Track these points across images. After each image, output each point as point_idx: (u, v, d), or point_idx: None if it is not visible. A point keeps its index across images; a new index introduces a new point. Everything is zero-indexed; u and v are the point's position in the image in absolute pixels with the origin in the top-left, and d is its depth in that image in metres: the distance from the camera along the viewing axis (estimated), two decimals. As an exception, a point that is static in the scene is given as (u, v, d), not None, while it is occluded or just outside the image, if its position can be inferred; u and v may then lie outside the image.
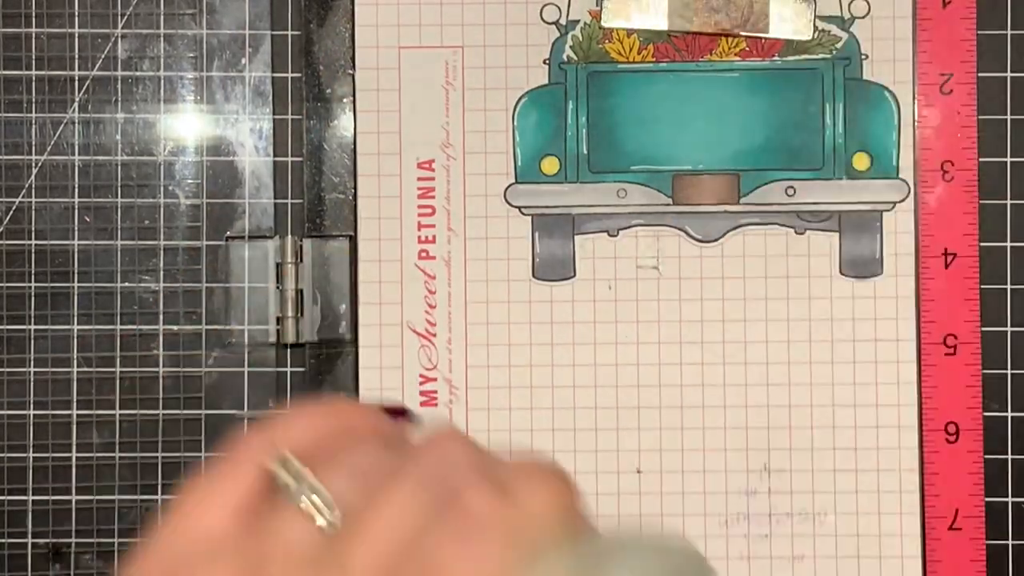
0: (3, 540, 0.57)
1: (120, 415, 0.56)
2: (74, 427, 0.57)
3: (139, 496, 0.57)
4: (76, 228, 0.57)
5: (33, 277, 0.57)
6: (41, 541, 0.57)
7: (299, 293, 0.56)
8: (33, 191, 0.57)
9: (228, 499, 0.36)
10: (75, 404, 0.57)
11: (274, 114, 0.57)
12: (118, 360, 0.57)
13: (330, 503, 0.34)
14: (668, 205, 0.56)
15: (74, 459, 0.57)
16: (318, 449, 0.35)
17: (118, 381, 0.57)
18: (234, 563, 0.34)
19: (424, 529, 0.32)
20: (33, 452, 0.57)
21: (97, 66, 0.56)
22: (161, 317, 0.57)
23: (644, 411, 0.56)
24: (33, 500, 0.57)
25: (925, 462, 0.56)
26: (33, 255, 0.57)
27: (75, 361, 0.57)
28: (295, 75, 0.57)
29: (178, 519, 0.36)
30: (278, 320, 0.56)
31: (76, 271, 0.56)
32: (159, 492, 0.57)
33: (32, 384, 0.57)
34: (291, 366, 0.56)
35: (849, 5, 0.56)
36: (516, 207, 0.56)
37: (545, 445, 0.56)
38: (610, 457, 0.56)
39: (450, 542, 0.31)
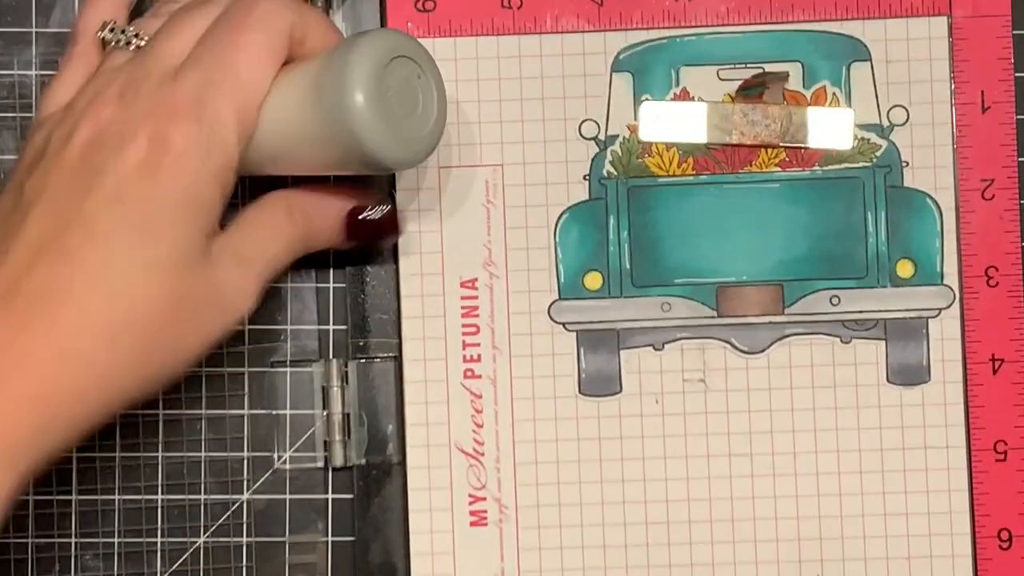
0: (5, 540, 0.56)
1: (120, 416, 0.56)
2: None
3: (143, 496, 0.56)
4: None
5: None
6: (42, 542, 0.56)
7: (345, 416, 0.56)
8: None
9: (76, 76, 0.51)
10: None
11: (316, 238, 0.57)
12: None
13: (140, 36, 0.50)
14: (712, 317, 0.56)
15: (74, 459, 0.56)
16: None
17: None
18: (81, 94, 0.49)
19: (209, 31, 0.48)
20: None
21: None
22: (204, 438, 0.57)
23: (695, 525, 0.56)
24: (34, 500, 0.56)
25: (979, 570, 0.55)
26: None
27: None
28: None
29: (44, 97, 0.51)
30: (325, 444, 0.56)
31: None
32: (159, 492, 0.56)
33: None
34: (337, 492, 0.56)
35: (888, 113, 0.56)
36: (560, 323, 0.56)
37: (597, 562, 0.56)
38: (662, 572, 0.56)
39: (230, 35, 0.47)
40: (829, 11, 0.56)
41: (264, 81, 0.47)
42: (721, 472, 0.56)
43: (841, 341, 0.56)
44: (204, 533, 0.57)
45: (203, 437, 0.57)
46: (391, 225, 0.53)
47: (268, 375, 0.57)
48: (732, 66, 0.56)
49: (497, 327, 0.56)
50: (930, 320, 0.56)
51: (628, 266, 0.56)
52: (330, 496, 0.56)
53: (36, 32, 0.57)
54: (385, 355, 0.56)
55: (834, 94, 0.56)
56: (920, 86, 0.56)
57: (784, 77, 0.56)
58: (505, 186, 0.56)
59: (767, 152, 0.56)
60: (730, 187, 0.56)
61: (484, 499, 0.56)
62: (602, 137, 0.56)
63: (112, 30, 0.50)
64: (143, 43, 0.50)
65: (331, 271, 0.57)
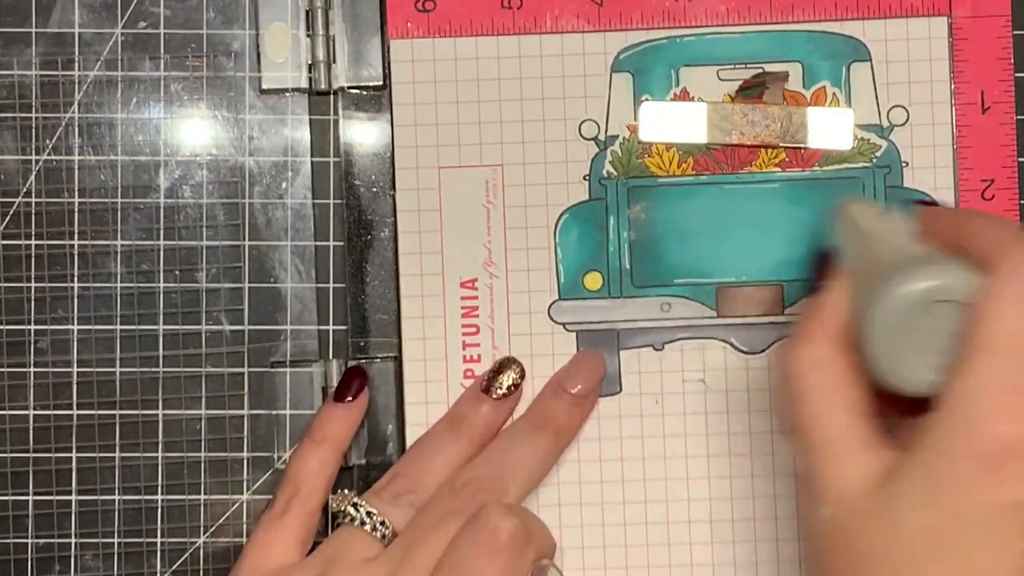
0: (5, 540, 0.56)
1: (120, 415, 0.56)
2: (74, 428, 0.56)
3: (142, 496, 0.56)
4: (84, 230, 0.57)
5: (46, 278, 0.56)
6: (42, 542, 0.56)
7: (345, 417, 0.56)
8: (74, 193, 0.57)
9: (292, 534, 0.51)
10: (75, 405, 0.56)
11: (316, 238, 0.57)
12: (118, 361, 0.56)
13: (385, 523, 0.51)
14: (712, 317, 0.56)
15: (74, 459, 0.56)
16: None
17: (118, 382, 0.56)
18: (307, 570, 0.50)
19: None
20: (34, 453, 0.56)
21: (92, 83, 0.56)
22: (204, 441, 0.57)
23: (695, 525, 0.56)
24: (34, 500, 0.56)
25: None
26: (33, 258, 0.56)
27: (75, 362, 0.56)
28: (336, 201, 0.57)
29: (253, 554, 0.51)
30: (325, 444, 0.56)
31: (77, 273, 0.56)
32: (159, 492, 0.56)
33: (32, 385, 0.56)
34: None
35: (888, 113, 0.56)
36: (560, 323, 0.56)
37: (597, 562, 0.56)
38: (662, 572, 0.56)
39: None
40: (829, 11, 0.56)
41: None
42: (721, 472, 0.56)
43: (841, 341, 0.56)
44: (204, 533, 0.57)
45: (203, 437, 0.57)
46: None
47: (268, 375, 0.57)
48: (732, 66, 0.56)
49: (497, 327, 0.56)
50: (930, 320, 0.56)
51: (628, 266, 0.56)
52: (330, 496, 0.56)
53: (36, 32, 0.57)
54: (385, 355, 0.56)
55: (834, 94, 0.56)
56: (920, 86, 0.56)
57: (784, 77, 0.56)
58: (505, 186, 0.56)
59: (767, 152, 0.56)
60: (730, 187, 0.56)
61: (484, 499, 0.56)
62: (602, 137, 0.56)
63: (354, 505, 0.51)
64: (387, 532, 0.51)
65: (331, 271, 0.57)
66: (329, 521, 0.53)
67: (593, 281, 0.56)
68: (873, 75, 0.56)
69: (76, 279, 0.57)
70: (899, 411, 0.43)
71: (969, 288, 0.42)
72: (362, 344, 0.56)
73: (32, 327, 0.57)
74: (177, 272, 0.57)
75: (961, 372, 0.40)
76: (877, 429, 0.43)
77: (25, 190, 0.57)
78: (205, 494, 0.57)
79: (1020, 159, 0.56)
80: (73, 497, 0.57)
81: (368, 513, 0.51)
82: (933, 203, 0.54)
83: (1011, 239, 0.42)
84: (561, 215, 0.56)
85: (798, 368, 0.44)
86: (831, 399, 0.43)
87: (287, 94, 0.57)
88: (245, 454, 0.57)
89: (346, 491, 0.52)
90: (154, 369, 0.57)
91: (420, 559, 0.49)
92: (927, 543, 0.39)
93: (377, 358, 0.56)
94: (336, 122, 0.57)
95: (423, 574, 0.48)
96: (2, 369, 0.57)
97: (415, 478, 0.52)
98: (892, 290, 0.43)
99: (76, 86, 0.57)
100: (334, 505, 0.52)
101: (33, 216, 0.57)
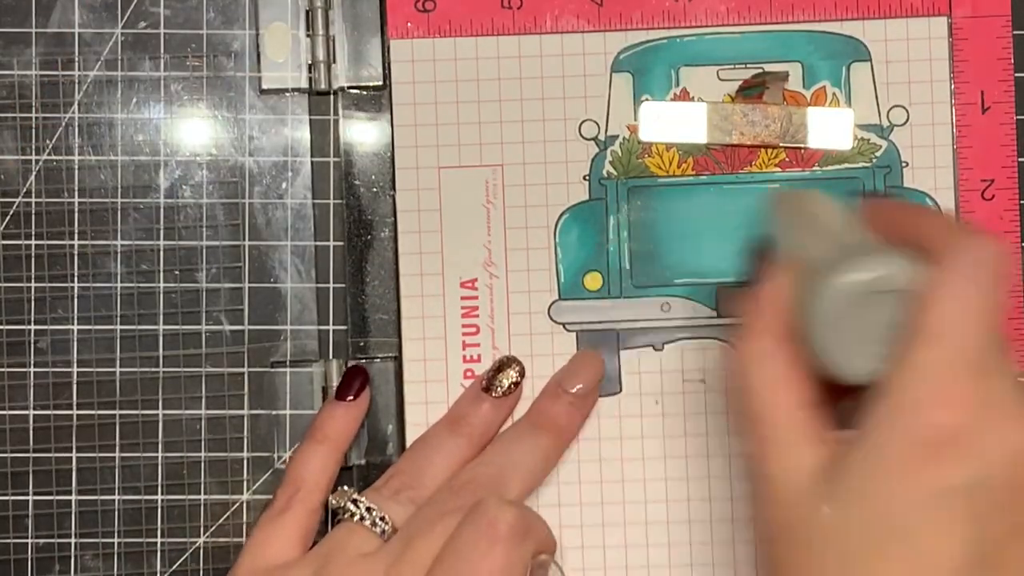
0: (5, 540, 0.56)
1: (120, 415, 0.56)
2: (74, 428, 0.56)
3: (142, 496, 0.56)
4: (85, 230, 0.57)
5: (38, 278, 0.57)
6: (42, 542, 0.56)
7: (345, 416, 0.56)
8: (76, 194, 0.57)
9: (292, 532, 0.51)
10: (75, 405, 0.56)
11: (316, 238, 0.57)
12: (118, 360, 0.56)
13: (385, 519, 0.50)
14: (712, 317, 0.56)
15: (74, 459, 0.56)
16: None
17: (118, 383, 0.56)
18: (305, 565, 0.50)
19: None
20: (34, 453, 0.56)
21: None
22: (205, 441, 0.57)
23: (695, 525, 0.56)
24: (34, 500, 0.56)
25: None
26: (33, 258, 0.57)
27: (75, 362, 0.56)
28: (336, 201, 0.57)
29: (252, 552, 0.51)
30: (325, 444, 0.56)
31: (77, 273, 0.56)
32: (159, 492, 0.56)
33: (32, 385, 0.56)
34: (339, 490, 0.56)
35: (888, 113, 0.56)
36: (560, 323, 0.56)
37: (597, 562, 0.56)
38: (662, 572, 0.56)
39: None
40: (829, 11, 0.56)
41: None
42: (721, 472, 0.56)
43: (841, 341, 0.56)
44: (204, 533, 0.57)
45: (203, 437, 0.57)
46: None
47: (268, 375, 0.57)
48: (732, 66, 0.56)
49: (497, 327, 0.56)
50: (930, 320, 0.56)
51: (628, 266, 0.56)
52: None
53: (36, 32, 0.57)
54: (385, 355, 0.56)
55: (834, 94, 0.56)
56: (920, 86, 0.56)
57: (784, 77, 0.56)
58: (505, 186, 0.56)
59: (767, 152, 0.56)
60: (730, 187, 0.56)
61: (484, 499, 0.56)
62: (602, 137, 0.56)
63: (354, 501, 0.51)
64: (387, 528, 0.51)
65: (331, 271, 0.57)
66: (329, 519, 0.53)
67: (593, 281, 0.56)
68: (873, 75, 0.56)
69: (76, 279, 0.57)
70: (850, 399, 0.43)
71: (910, 279, 0.42)
72: (362, 344, 0.56)
73: (32, 327, 0.57)
74: (177, 272, 0.57)
75: (901, 361, 0.41)
76: (824, 419, 0.43)
77: (25, 190, 0.57)
78: (205, 494, 0.57)
79: (1020, 159, 0.56)
80: (73, 497, 0.57)
81: (368, 509, 0.51)
82: (880, 197, 0.54)
83: (955, 232, 0.42)
84: (561, 215, 0.56)
85: (743, 363, 0.44)
86: (776, 392, 0.43)
87: (287, 94, 0.57)
88: (245, 454, 0.57)
89: (346, 488, 0.52)
90: (154, 369, 0.57)
91: (419, 553, 0.49)
92: (872, 532, 0.39)
93: (377, 358, 0.56)
94: (336, 122, 0.57)
95: (422, 567, 0.48)
96: (2, 369, 0.57)
97: (415, 475, 0.52)
98: (833, 281, 0.43)
99: (76, 86, 0.57)
100: (334, 502, 0.52)
101: (33, 216, 0.57)
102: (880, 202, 0.50)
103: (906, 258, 0.43)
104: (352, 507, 0.51)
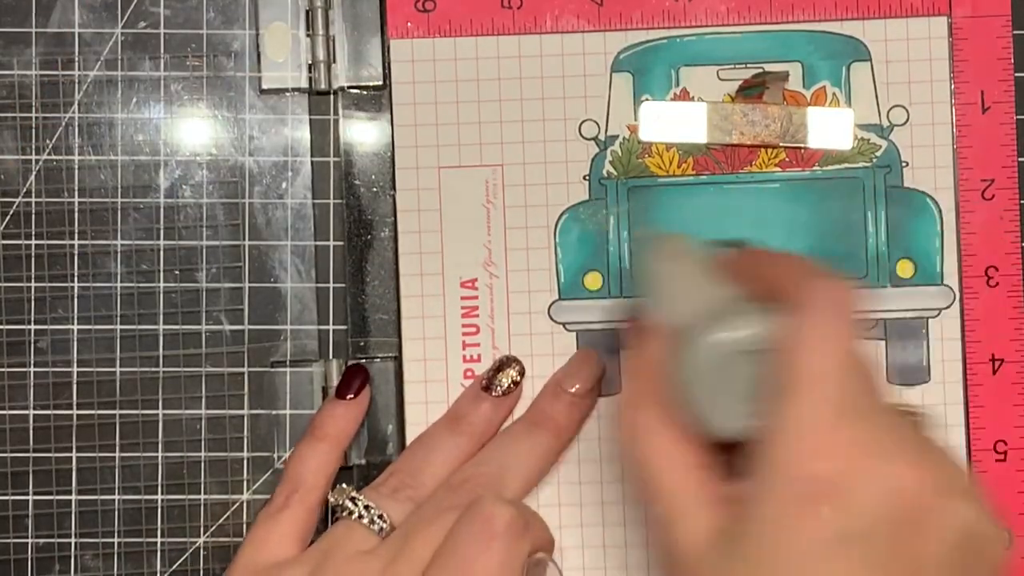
0: (5, 540, 0.56)
1: (120, 415, 0.56)
2: (74, 428, 0.56)
3: (142, 496, 0.56)
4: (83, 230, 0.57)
5: (40, 278, 0.56)
6: (42, 542, 0.56)
7: (345, 416, 0.56)
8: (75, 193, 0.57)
9: (290, 529, 0.51)
10: (75, 405, 0.56)
11: (316, 238, 0.57)
12: (118, 360, 0.56)
13: (383, 516, 0.50)
14: (712, 317, 0.56)
15: (74, 459, 0.56)
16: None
17: (118, 383, 0.56)
18: (302, 562, 0.49)
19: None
20: (34, 453, 0.56)
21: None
22: (204, 440, 0.57)
23: (695, 525, 0.56)
24: (34, 500, 0.56)
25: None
26: (33, 258, 0.56)
27: (75, 362, 0.56)
28: (336, 201, 0.57)
29: (250, 549, 0.51)
30: (325, 444, 0.56)
31: (77, 273, 0.56)
32: (159, 492, 0.56)
33: (32, 385, 0.56)
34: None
35: (888, 113, 0.56)
36: (560, 323, 0.56)
37: (597, 562, 0.56)
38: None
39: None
40: (829, 11, 0.56)
41: None
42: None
43: (841, 341, 0.56)
44: (204, 533, 0.57)
45: (203, 437, 0.57)
46: None
47: (268, 375, 0.57)
48: (732, 66, 0.56)
49: (497, 327, 0.56)
50: (930, 320, 0.56)
51: (628, 266, 0.56)
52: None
53: (36, 32, 0.57)
54: (385, 355, 0.56)
55: (834, 94, 0.56)
56: (920, 86, 0.56)
57: (784, 77, 0.56)
58: (505, 186, 0.56)
59: (767, 152, 0.56)
60: (730, 187, 0.56)
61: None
62: (602, 137, 0.56)
63: (352, 499, 0.51)
64: (385, 525, 0.51)
65: (331, 271, 0.57)
66: (328, 516, 0.53)
67: (593, 281, 0.56)
68: (873, 75, 0.56)
69: (76, 279, 0.57)
70: (739, 451, 0.43)
71: (774, 333, 0.42)
72: (362, 344, 0.56)
73: (32, 327, 0.57)
74: (177, 272, 0.57)
75: (774, 416, 0.41)
76: (720, 473, 0.43)
77: (25, 190, 0.57)
78: (205, 494, 0.57)
79: (1020, 159, 0.56)
80: (73, 497, 0.57)
81: (366, 507, 0.51)
82: (743, 246, 0.55)
83: (810, 280, 0.42)
84: (561, 215, 0.56)
85: (630, 436, 0.45)
86: (666, 460, 0.43)
87: (287, 94, 0.57)
88: (245, 454, 0.57)
89: (344, 486, 0.52)
90: (154, 369, 0.57)
91: (417, 550, 0.49)
92: None
93: (377, 358, 0.56)
94: (336, 122, 0.57)
95: (420, 564, 0.48)
96: (2, 369, 0.57)
97: (414, 474, 0.52)
98: (702, 342, 0.43)
99: (76, 86, 0.57)
100: (332, 499, 0.52)
101: (33, 216, 0.57)
102: (743, 251, 0.51)
103: (769, 312, 0.43)
104: (351, 505, 0.51)
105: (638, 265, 0.54)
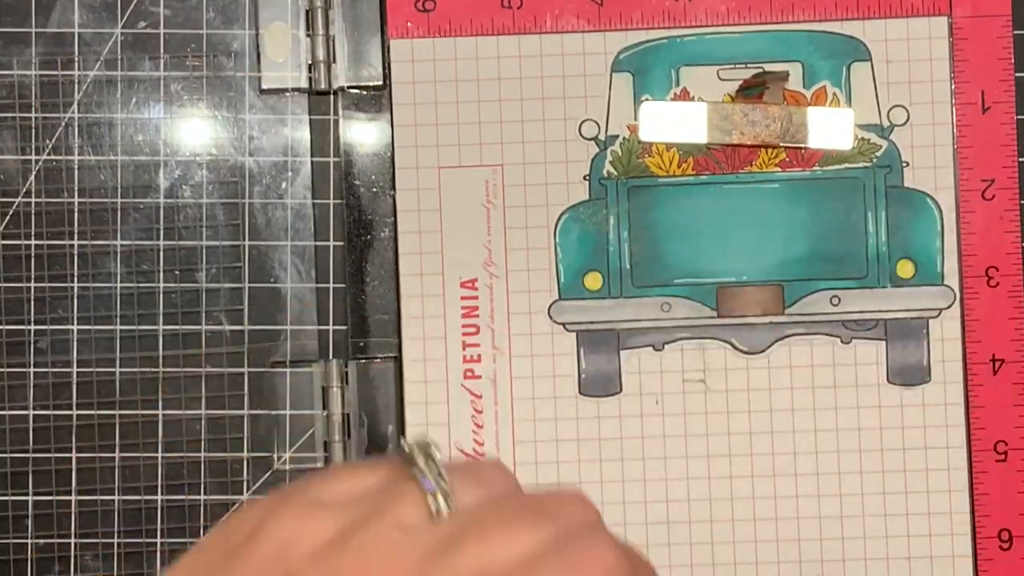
0: (5, 540, 0.56)
1: (120, 415, 0.56)
2: (74, 428, 0.56)
3: (142, 496, 0.57)
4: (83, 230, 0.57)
5: (40, 278, 0.57)
6: (42, 542, 0.56)
7: (345, 417, 0.56)
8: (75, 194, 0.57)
9: (367, 479, 0.37)
10: (75, 405, 0.56)
11: (316, 238, 0.57)
12: (118, 360, 0.56)
13: (449, 496, 0.36)
14: (713, 317, 0.56)
15: (74, 459, 0.56)
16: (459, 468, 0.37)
17: (118, 383, 0.56)
18: (335, 513, 0.36)
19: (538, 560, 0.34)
20: (34, 453, 0.56)
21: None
22: (204, 440, 0.57)
23: (695, 525, 0.56)
24: (34, 500, 0.56)
25: (979, 571, 0.55)
26: (33, 258, 0.56)
27: (75, 362, 0.56)
28: (336, 201, 0.57)
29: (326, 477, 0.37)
30: (325, 445, 0.56)
31: (77, 273, 0.56)
32: (159, 492, 0.56)
33: (32, 385, 0.56)
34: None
35: (888, 113, 0.56)
36: (560, 324, 0.56)
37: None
38: (663, 572, 0.56)
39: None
40: (829, 11, 0.56)
41: None
42: (721, 472, 0.56)
43: (841, 341, 0.56)
44: (204, 533, 0.57)
45: (203, 437, 0.57)
46: None
47: (268, 375, 0.57)
48: (732, 66, 0.56)
49: (497, 327, 0.56)
50: (930, 320, 0.56)
51: (628, 266, 0.56)
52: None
53: (36, 32, 0.57)
54: (385, 355, 0.56)
55: (834, 94, 0.56)
56: (920, 86, 0.56)
57: (784, 77, 0.56)
58: (505, 186, 0.56)
59: (767, 152, 0.56)
60: (730, 187, 0.56)
61: (484, 499, 0.56)
62: (602, 137, 0.56)
63: (427, 458, 0.37)
64: (444, 508, 0.36)
65: (331, 271, 0.57)
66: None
67: (593, 281, 0.56)
68: (873, 75, 0.56)
69: (76, 279, 0.57)
70: None
71: None
72: (362, 344, 0.56)
73: (32, 327, 0.57)
74: (177, 272, 0.57)
75: None
76: None
77: (25, 190, 0.57)
78: (205, 494, 0.57)
79: (1020, 159, 0.56)
80: (73, 497, 0.57)
81: (439, 475, 0.37)
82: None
83: None
84: (561, 215, 0.56)
85: None
86: None
87: (287, 94, 0.57)
88: (245, 454, 0.57)
89: (430, 440, 0.37)
90: (154, 369, 0.57)
91: (469, 560, 0.36)
92: None
93: (377, 358, 0.56)
94: (336, 122, 0.57)
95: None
96: (2, 369, 0.57)
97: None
98: None
99: (76, 86, 0.57)
100: (406, 446, 0.38)
101: (33, 216, 0.57)
102: None
103: None
104: (422, 462, 0.37)
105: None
